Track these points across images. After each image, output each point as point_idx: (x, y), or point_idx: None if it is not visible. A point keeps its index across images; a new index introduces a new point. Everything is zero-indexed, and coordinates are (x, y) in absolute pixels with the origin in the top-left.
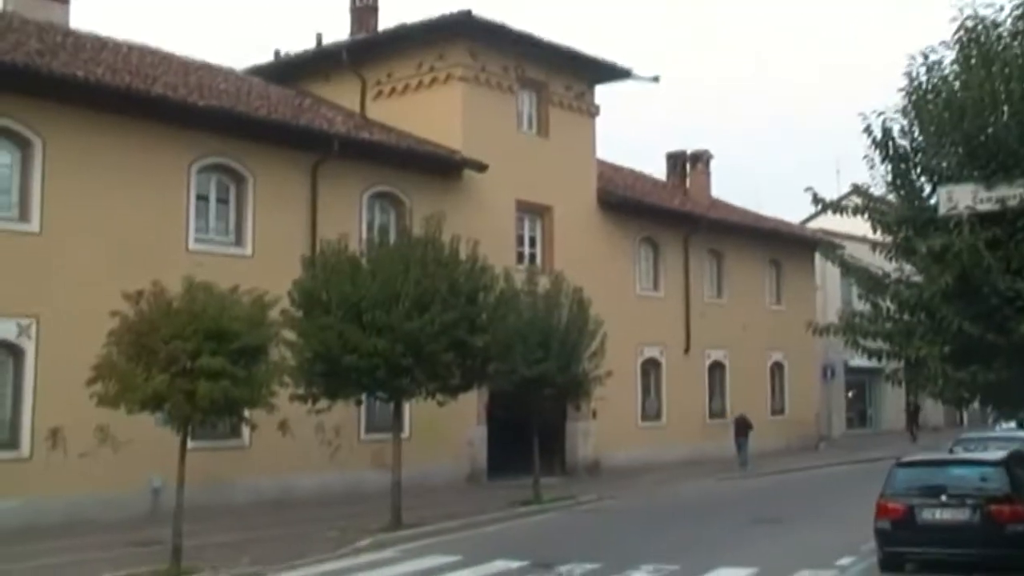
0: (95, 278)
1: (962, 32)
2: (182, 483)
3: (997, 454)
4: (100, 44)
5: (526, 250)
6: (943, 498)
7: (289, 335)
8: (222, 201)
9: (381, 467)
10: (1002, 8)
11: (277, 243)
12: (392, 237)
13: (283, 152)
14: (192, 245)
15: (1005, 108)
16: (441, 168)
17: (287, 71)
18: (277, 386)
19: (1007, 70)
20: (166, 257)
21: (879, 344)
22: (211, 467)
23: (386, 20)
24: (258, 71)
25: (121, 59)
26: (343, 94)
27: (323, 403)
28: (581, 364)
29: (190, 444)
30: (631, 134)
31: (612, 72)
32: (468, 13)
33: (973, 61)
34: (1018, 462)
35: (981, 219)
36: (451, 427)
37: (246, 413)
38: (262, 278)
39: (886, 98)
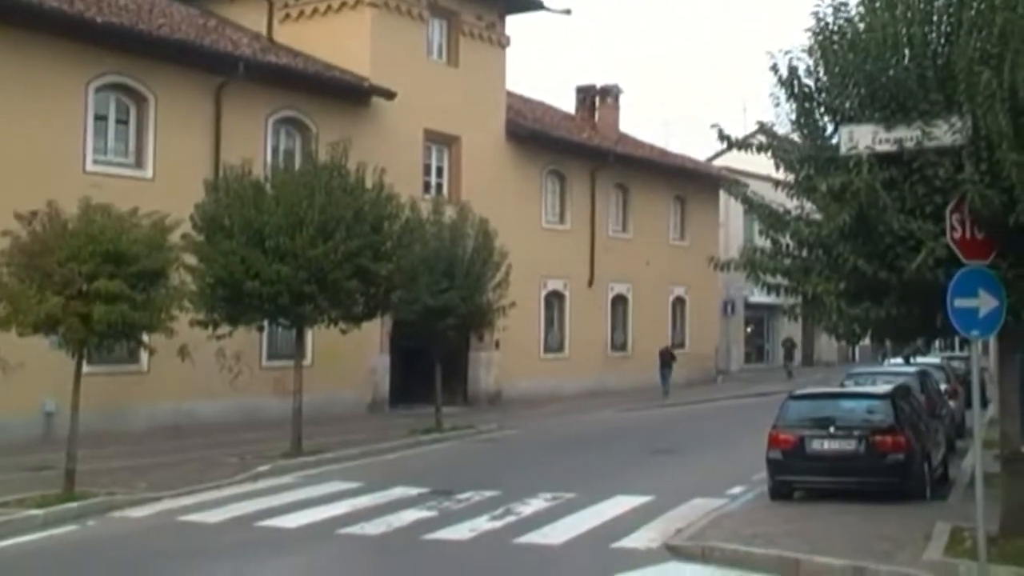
0: None
1: None
2: (77, 407)
3: (884, 388)
4: None
5: (433, 180)
6: (831, 429)
7: (191, 259)
8: (121, 122)
9: (282, 394)
10: None
11: (179, 166)
12: (297, 163)
13: (186, 73)
14: (89, 166)
15: (906, 51)
16: (349, 95)
17: None
18: (177, 311)
19: (909, 14)
20: (62, 178)
21: (778, 280)
22: (108, 392)
23: None
24: None
25: None
26: (249, 16)
27: (224, 329)
28: (485, 295)
29: (86, 368)
30: (542, 67)
31: (524, 2)
32: None
33: (877, 4)
34: (903, 395)
35: (879, 159)
36: (354, 355)
37: (144, 338)
38: (163, 201)
39: (795, 38)
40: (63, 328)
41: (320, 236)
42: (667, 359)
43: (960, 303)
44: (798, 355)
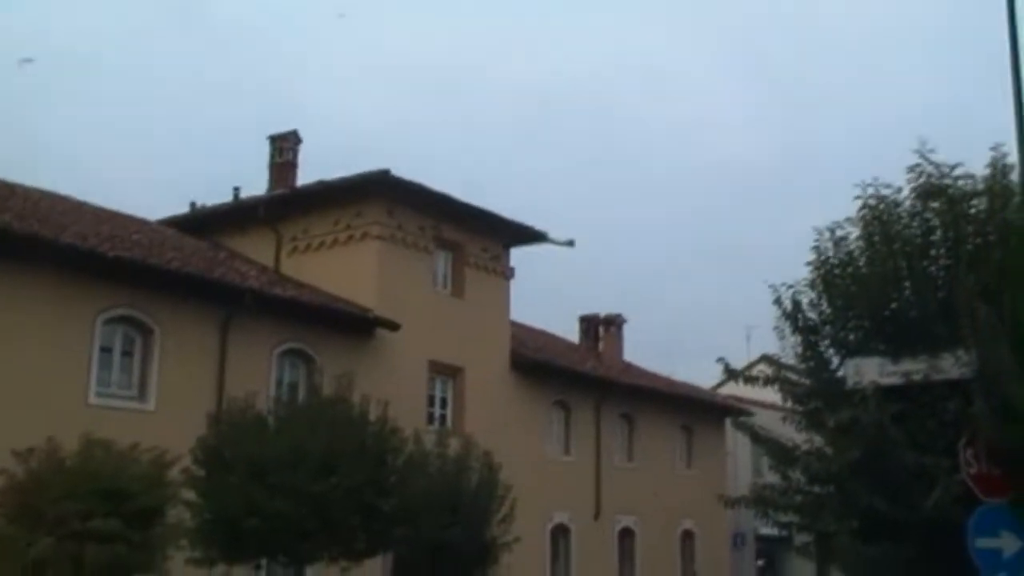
0: None
1: (865, 210)
2: None
3: None
4: (8, 191)
5: (437, 411)
6: None
7: (189, 495)
8: (127, 354)
9: None
10: (900, 190)
11: (182, 398)
12: (301, 395)
13: (194, 305)
14: (92, 399)
15: (907, 284)
16: (353, 326)
17: (203, 223)
18: (173, 550)
19: (907, 249)
20: (64, 411)
21: (790, 517)
22: None
23: (305, 176)
24: (173, 222)
25: (31, 206)
26: (258, 248)
27: (221, 568)
28: (490, 530)
29: None
30: (545, 296)
31: (527, 235)
32: (386, 172)
33: (876, 238)
34: None
35: (887, 393)
36: None
37: None
38: (164, 434)
39: (794, 269)
40: (52, 572)
41: (323, 471)
42: None
43: (982, 543)
44: None
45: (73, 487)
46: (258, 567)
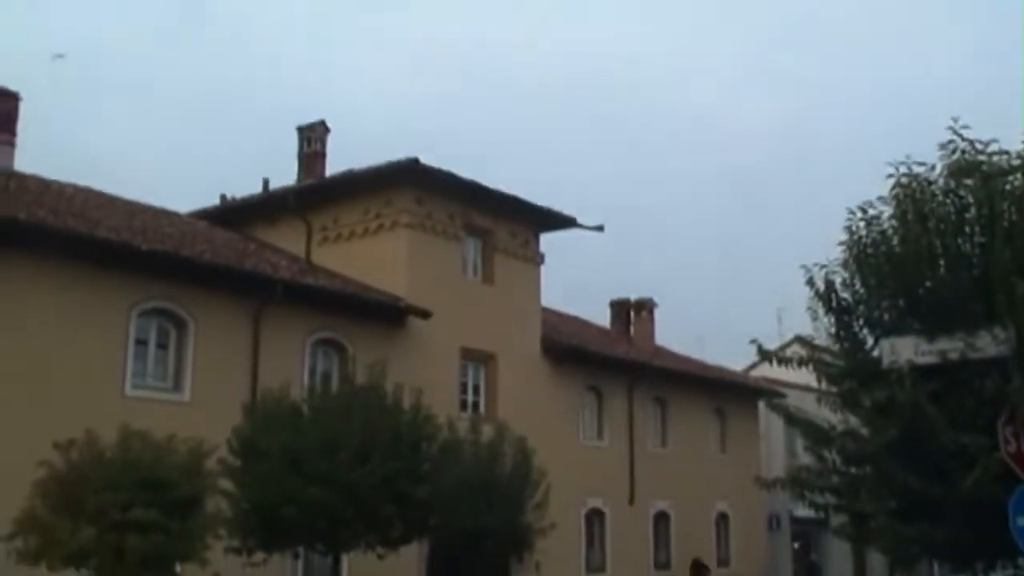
0: (24, 426)
1: (898, 189)
2: None
3: None
4: (43, 186)
5: (469, 398)
6: None
7: (226, 485)
8: (161, 346)
9: None
10: (934, 167)
11: (217, 389)
12: (335, 383)
13: (226, 297)
14: (128, 391)
15: (941, 262)
16: (385, 315)
17: (233, 215)
18: (212, 539)
19: (941, 226)
20: (101, 403)
21: (826, 498)
22: None
23: (334, 166)
24: (204, 214)
25: (65, 201)
26: (288, 239)
27: (259, 556)
28: (525, 516)
29: None
30: (575, 280)
31: (557, 220)
32: (415, 161)
33: (909, 216)
34: None
35: (923, 371)
36: None
37: (178, 568)
38: (200, 425)
39: (826, 248)
40: (95, 561)
41: (357, 459)
42: (700, 571)
43: (1023, 521)
44: None
45: (113, 478)
46: (296, 555)
